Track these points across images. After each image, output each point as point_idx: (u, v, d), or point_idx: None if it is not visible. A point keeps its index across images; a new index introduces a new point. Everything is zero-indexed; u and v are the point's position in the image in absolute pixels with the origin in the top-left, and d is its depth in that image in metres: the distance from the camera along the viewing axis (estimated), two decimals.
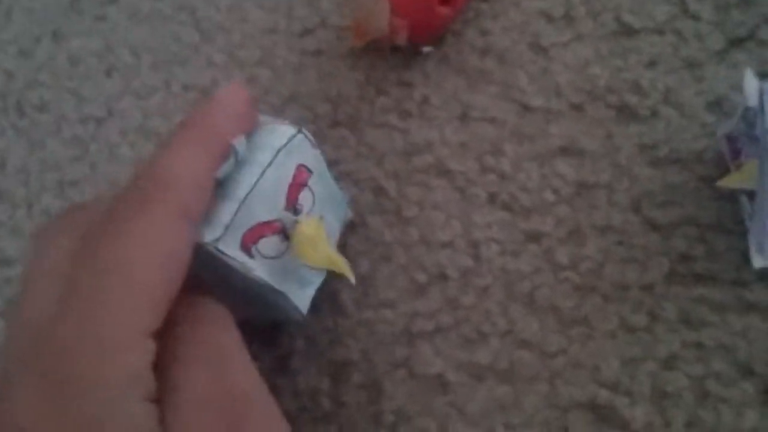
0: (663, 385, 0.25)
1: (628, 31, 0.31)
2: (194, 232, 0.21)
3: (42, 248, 0.21)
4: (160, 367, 0.19)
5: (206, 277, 0.22)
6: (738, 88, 0.27)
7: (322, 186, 0.25)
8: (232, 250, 0.22)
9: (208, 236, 0.21)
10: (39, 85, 0.38)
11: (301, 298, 0.25)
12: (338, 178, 0.27)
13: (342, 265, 0.24)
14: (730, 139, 0.27)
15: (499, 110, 0.31)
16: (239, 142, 0.22)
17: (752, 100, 0.24)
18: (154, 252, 0.19)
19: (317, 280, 0.25)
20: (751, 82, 0.24)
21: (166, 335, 0.19)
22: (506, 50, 0.32)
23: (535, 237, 0.28)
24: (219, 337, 0.21)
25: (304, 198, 0.24)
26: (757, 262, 0.25)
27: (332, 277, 0.26)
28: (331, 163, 0.31)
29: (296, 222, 0.23)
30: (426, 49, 0.33)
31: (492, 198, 0.30)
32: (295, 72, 0.35)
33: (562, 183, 0.29)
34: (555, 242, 0.28)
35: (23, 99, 0.38)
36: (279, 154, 0.23)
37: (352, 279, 0.24)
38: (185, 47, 0.37)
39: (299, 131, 0.24)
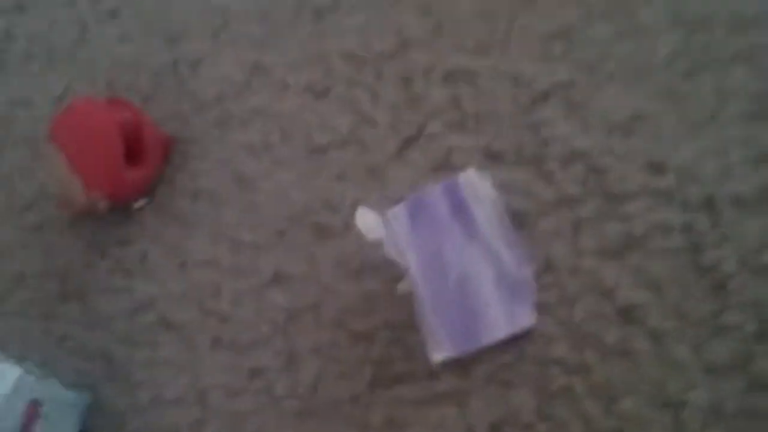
0: None
1: (319, 149, 0.34)
2: None
3: None
4: None
5: None
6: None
7: (55, 407, 0.27)
8: None
9: None
10: None
11: None
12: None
13: None
14: (397, 247, 0.29)
15: (215, 252, 0.33)
16: None
17: (375, 233, 0.26)
18: None
19: None
20: (366, 218, 0.26)
21: None
22: (215, 189, 0.34)
23: (257, 372, 0.30)
24: None
25: (39, 426, 0.26)
26: (436, 356, 0.27)
27: None
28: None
29: None
30: (137, 204, 0.34)
31: (215, 342, 0.31)
32: (21, 249, 0.35)
33: (275, 313, 0.31)
34: (275, 374, 0.29)
35: None
36: (6, 400, 0.25)
37: None
38: None
39: (24, 371, 0.26)
